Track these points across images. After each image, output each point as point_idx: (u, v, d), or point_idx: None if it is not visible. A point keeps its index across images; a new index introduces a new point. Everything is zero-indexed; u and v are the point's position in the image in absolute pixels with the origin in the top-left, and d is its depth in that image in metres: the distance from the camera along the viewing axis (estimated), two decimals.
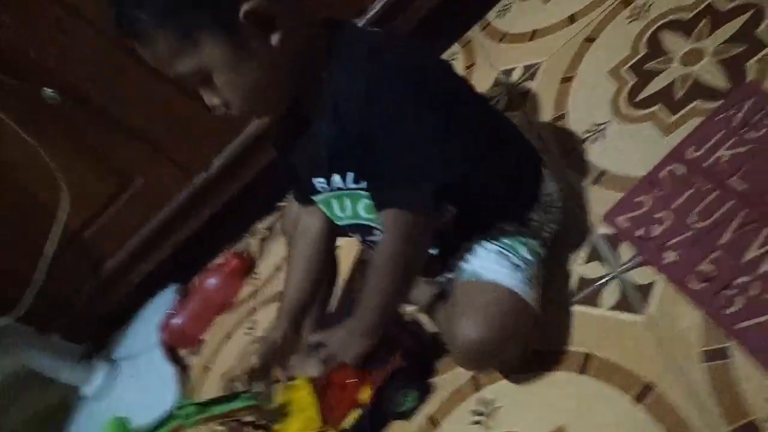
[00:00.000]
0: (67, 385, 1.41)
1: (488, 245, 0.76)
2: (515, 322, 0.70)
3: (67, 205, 1.18)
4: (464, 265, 0.76)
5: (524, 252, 0.75)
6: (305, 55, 0.68)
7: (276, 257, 1.33)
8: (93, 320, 1.53)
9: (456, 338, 0.71)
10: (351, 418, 0.81)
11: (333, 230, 0.86)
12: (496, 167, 0.76)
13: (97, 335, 1.57)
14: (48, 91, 1.14)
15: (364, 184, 0.72)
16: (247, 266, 1.37)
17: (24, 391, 1.45)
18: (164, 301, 1.45)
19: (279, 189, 1.45)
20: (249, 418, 0.83)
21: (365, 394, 0.80)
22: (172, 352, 1.35)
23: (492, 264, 0.74)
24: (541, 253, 0.77)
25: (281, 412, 0.83)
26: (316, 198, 0.80)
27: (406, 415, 0.83)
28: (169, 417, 0.84)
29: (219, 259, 1.48)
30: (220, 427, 0.86)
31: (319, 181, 0.76)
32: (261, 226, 1.45)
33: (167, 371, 1.28)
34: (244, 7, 0.62)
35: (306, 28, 0.68)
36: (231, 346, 1.27)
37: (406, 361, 0.81)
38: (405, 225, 0.68)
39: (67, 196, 1.17)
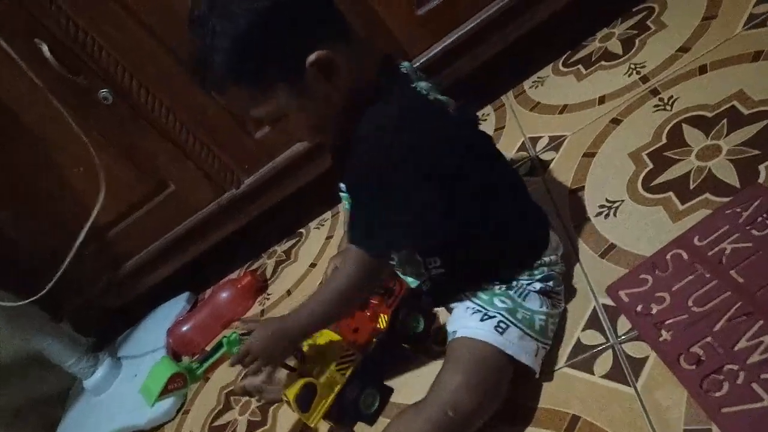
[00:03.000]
0: (69, 375, 1.45)
1: (473, 304, 0.82)
2: (492, 374, 0.76)
3: (101, 200, 1.23)
4: (450, 327, 0.83)
5: (509, 309, 0.80)
6: (360, 89, 0.74)
7: (289, 282, 1.38)
8: (103, 316, 1.58)
9: (442, 388, 0.76)
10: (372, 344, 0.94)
11: None
12: (493, 237, 0.83)
13: (104, 331, 1.62)
14: (103, 91, 1.22)
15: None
16: (260, 285, 1.42)
17: (28, 373, 1.49)
18: (175, 307, 1.50)
19: (301, 216, 1.51)
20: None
21: (382, 322, 0.93)
22: (175, 358, 1.39)
23: (473, 322, 0.80)
24: (532, 310, 0.82)
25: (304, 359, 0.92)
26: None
27: (417, 338, 0.96)
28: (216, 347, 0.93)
29: (233, 275, 1.53)
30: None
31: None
32: (279, 249, 1.51)
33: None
34: (311, 58, 0.69)
35: (359, 64, 0.74)
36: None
37: (409, 292, 0.94)
38: (365, 267, 0.76)
39: (103, 192, 1.22)
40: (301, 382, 0.87)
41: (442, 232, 0.82)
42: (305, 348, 0.92)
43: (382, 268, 0.82)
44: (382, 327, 0.93)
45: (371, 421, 0.92)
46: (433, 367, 0.91)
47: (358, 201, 0.78)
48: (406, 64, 0.83)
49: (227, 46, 0.68)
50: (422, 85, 0.78)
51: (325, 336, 0.93)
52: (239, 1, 0.67)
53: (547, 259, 0.85)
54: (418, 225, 0.77)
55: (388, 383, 0.95)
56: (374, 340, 0.94)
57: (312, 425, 0.89)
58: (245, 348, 0.85)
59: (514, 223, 0.85)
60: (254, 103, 0.73)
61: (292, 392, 0.87)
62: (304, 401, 0.87)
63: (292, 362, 0.91)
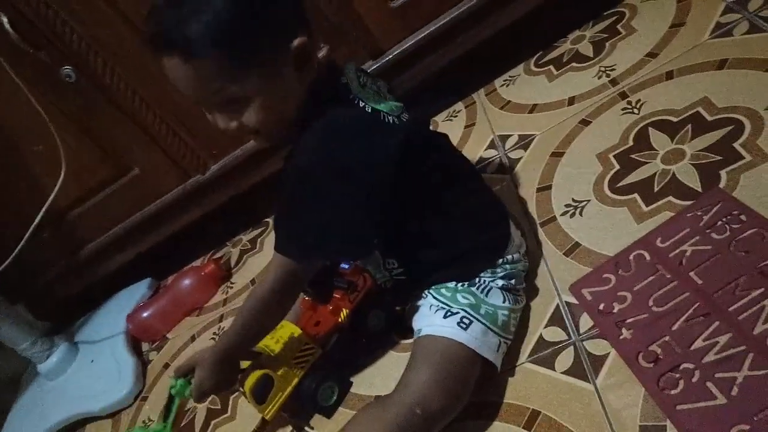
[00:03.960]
0: (21, 359, 1.41)
1: (436, 302, 0.83)
2: (459, 371, 0.77)
3: (61, 181, 1.20)
4: (415, 325, 0.84)
5: (471, 305, 0.81)
6: (315, 89, 0.74)
7: (254, 271, 1.36)
8: (60, 300, 1.54)
9: (409, 386, 0.76)
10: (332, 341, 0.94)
11: None
12: (451, 237, 0.84)
13: (60, 315, 1.57)
14: (66, 68, 1.18)
15: None
16: (224, 274, 1.40)
17: None
18: (136, 293, 1.47)
19: (267, 206, 1.49)
20: None
21: (344, 317, 0.93)
22: (135, 344, 1.36)
23: (438, 320, 0.81)
24: (496, 305, 0.83)
25: (262, 351, 0.91)
26: None
27: (377, 335, 0.95)
28: (171, 398, 0.91)
29: (197, 262, 1.51)
30: None
31: None
32: (245, 237, 1.49)
33: (126, 361, 1.29)
34: (294, 43, 0.68)
35: (317, 67, 0.74)
36: (194, 348, 1.28)
37: (374, 288, 0.94)
38: (287, 274, 0.76)
39: (63, 173, 1.19)
40: (257, 374, 0.86)
41: (371, 242, 0.80)
42: (266, 341, 0.91)
43: (306, 273, 0.80)
44: (342, 321, 0.93)
45: (329, 413, 0.92)
46: (394, 360, 0.92)
47: (285, 204, 0.78)
48: (350, 67, 0.81)
49: (221, 7, 0.64)
50: (361, 94, 0.78)
51: (286, 329, 0.92)
52: None
53: (510, 257, 0.86)
54: (342, 234, 0.76)
55: (348, 377, 0.95)
56: (335, 334, 0.94)
57: (267, 418, 0.88)
58: (198, 390, 0.86)
59: (472, 223, 0.85)
60: (224, 78, 0.68)
61: (248, 384, 0.86)
62: (260, 393, 0.86)
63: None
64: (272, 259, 0.78)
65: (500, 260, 0.85)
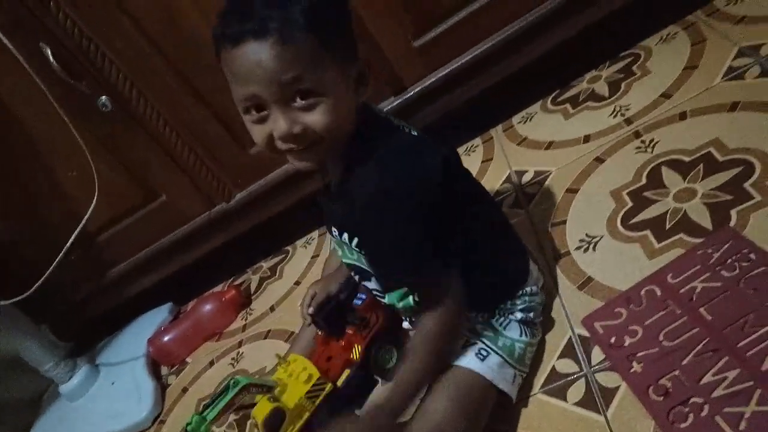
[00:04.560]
0: (43, 380, 1.45)
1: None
2: (476, 401, 0.78)
3: (93, 205, 1.25)
4: None
5: (490, 337, 0.83)
6: (357, 123, 0.75)
7: (273, 298, 1.39)
8: (83, 322, 1.58)
9: (427, 416, 0.77)
10: (343, 376, 0.91)
11: None
12: (476, 270, 0.83)
13: (82, 337, 1.61)
14: (102, 98, 1.24)
15: (362, 252, 0.80)
16: (244, 300, 1.44)
17: (3, 373, 1.48)
18: (157, 317, 1.50)
19: (288, 234, 1.53)
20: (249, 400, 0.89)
21: (356, 353, 0.91)
22: (154, 368, 1.39)
23: (458, 351, 0.82)
24: (513, 339, 0.84)
25: (276, 384, 0.89)
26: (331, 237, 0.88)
27: (388, 372, 0.93)
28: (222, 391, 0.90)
29: (217, 288, 1.54)
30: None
31: (332, 228, 0.85)
32: (265, 264, 1.52)
33: (146, 384, 1.32)
34: (361, 59, 0.72)
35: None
36: (212, 373, 1.31)
37: (386, 325, 0.92)
38: (436, 296, 0.75)
39: (95, 197, 1.24)
40: (270, 407, 0.87)
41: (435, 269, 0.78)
42: (279, 374, 0.91)
43: (449, 282, 0.77)
44: (355, 358, 0.92)
45: (391, 377, 0.91)
46: None
47: (371, 245, 0.77)
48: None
49: None
50: (404, 125, 0.80)
51: (299, 363, 0.92)
52: None
53: (528, 289, 0.88)
54: (430, 258, 0.75)
55: (357, 413, 0.96)
56: (347, 370, 0.94)
57: None
58: None
59: (496, 257, 0.87)
60: (306, 65, 0.67)
61: (260, 415, 0.87)
62: (272, 426, 0.87)
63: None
64: (423, 302, 0.75)
65: (519, 292, 0.87)
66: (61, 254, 1.26)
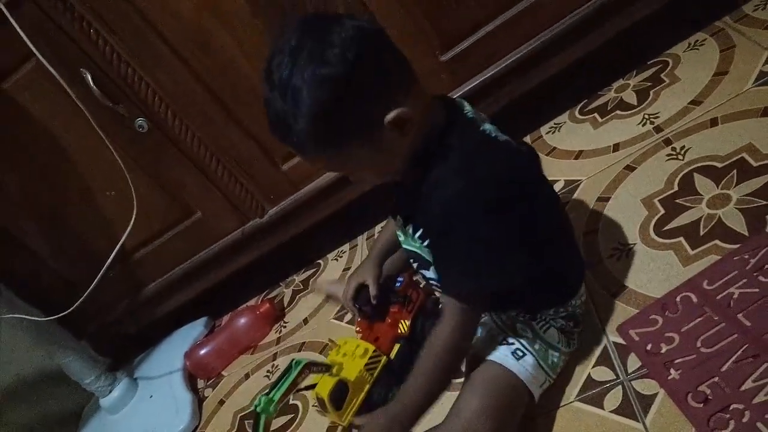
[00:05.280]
0: (83, 393, 1.49)
1: (493, 324, 0.86)
2: (508, 400, 0.79)
3: (132, 224, 1.28)
4: (473, 350, 0.86)
5: (528, 338, 0.84)
6: (426, 133, 0.75)
7: (306, 311, 1.41)
8: (121, 337, 1.62)
9: (459, 414, 0.78)
10: (395, 350, 0.97)
11: None
12: (542, 280, 0.83)
13: (120, 352, 1.65)
14: (139, 120, 1.29)
15: (425, 242, 0.80)
16: (278, 313, 1.46)
17: (43, 390, 1.52)
18: (193, 331, 1.53)
19: (320, 247, 1.55)
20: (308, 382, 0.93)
21: (404, 327, 0.98)
22: (191, 381, 1.42)
23: (493, 343, 0.84)
24: (550, 345, 0.85)
25: (332, 365, 0.93)
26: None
27: None
28: (258, 415, 0.91)
29: (251, 302, 1.57)
30: None
31: (398, 216, 0.87)
32: (297, 278, 1.55)
33: (183, 397, 1.35)
34: (388, 118, 0.70)
35: (426, 111, 0.75)
36: (248, 386, 1.33)
37: (427, 299, 1.00)
38: (463, 317, 0.77)
39: (134, 216, 1.28)
40: (334, 381, 0.90)
41: (522, 274, 0.79)
42: (332, 357, 0.95)
43: (479, 314, 0.81)
44: (403, 332, 0.98)
45: None
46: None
47: (441, 247, 0.77)
48: (467, 107, 0.82)
49: (308, 115, 0.68)
50: (487, 127, 0.79)
51: (351, 343, 0.96)
52: (317, 66, 0.67)
53: (574, 302, 0.88)
54: (504, 267, 0.76)
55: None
56: (396, 344, 0.98)
57: (344, 424, 0.90)
58: None
59: (561, 268, 0.87)
60: (332, 162, 0.76)
61: (325, 390, 0.89)
62: (338, 400, 0.89)
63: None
64: (444, 307, 0.78)
65: (568, 303, 0.87)
66: (101, 272, 1.30)
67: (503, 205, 0.74)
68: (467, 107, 0.81)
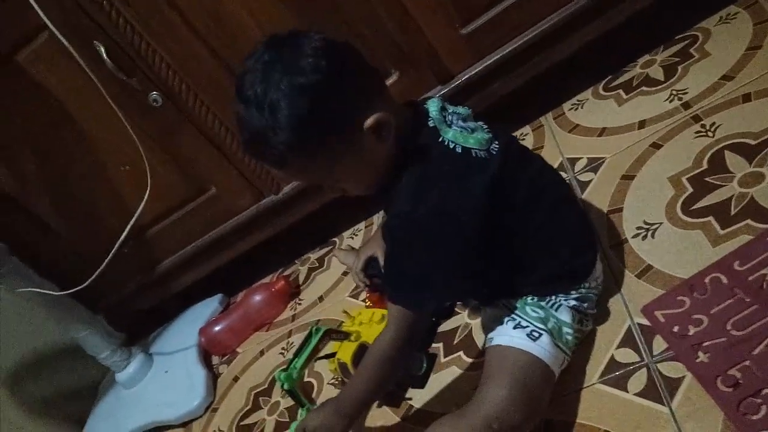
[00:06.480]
0: (99, 368, 1.49)
1: (512, 316, 0.84)
2: (536, 385, 0.77)
3: (146, 199, 1.27)
4: (485, 330, 0.86)
5: (540, 318, 0.82)
6: (397, 142, 0.76)
7: (321, 289, 1.40)
8: (136, 312, 1.62)
9: (486, 400, 0.76)
10: None
11: None
12: (533, 271, 0.84)
13: (135, 327, 1.65)
14: (154, 94, 1.27)
15: None
16: (293, 290, 1.45)
17: (60, 364, 1.53)
18: (208, 308, 1.53)
19: (335, 225, 1.54)
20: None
21: None
22: (206, 357, 1.42)
23: (509, 329, 0.82)
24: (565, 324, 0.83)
25: (351, 333, 0.95)
26: None
27: (419, 379, 0.98)
28: (288, 391, 0.92)
29: (266, 279, 1.56)
30: None
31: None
32: (312, 256, 1.53)
33: (198, 373, 1.35)
34: (367, 123, 0.71)
35: (398, 119, 0.76)
36: (262, 362, 1.33)
37: None
38: (406, 322, 0.78)
39: (148, 191, 1.26)
40: (355, 345, 0.89)
41: (472, 289, 0.87)
42: (348, 327, 0.96)
43: (423, 319, 0.83)
44: None
45: (422, 383, 0.96)
46: (457, 374, 0.93)
47: (392, 255, 0.80)
48: (433, 104, 0.81)
49: (289, 126, 0.69)
50: (450, 135, 0.78)
51: (365, 314, 0.96)
52: (292, 77, 0.68)
53: (587, 284, 0.86)
54: (451, 278, 0.79)
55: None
56: None
57: None
58: (301, 426, 0.87)
59: (555, 250, 0.85)
60: (308, 172, 0.76)
61: (347, 354, 0.89)
62: (360, 362, 0.89)
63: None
64: (389, 312, 0.80)
65: (578, 286, 0.85)
66: (115, 247, 1.29)
67: (443, 234, 0.75)
68: (433, 112, 0.80)
